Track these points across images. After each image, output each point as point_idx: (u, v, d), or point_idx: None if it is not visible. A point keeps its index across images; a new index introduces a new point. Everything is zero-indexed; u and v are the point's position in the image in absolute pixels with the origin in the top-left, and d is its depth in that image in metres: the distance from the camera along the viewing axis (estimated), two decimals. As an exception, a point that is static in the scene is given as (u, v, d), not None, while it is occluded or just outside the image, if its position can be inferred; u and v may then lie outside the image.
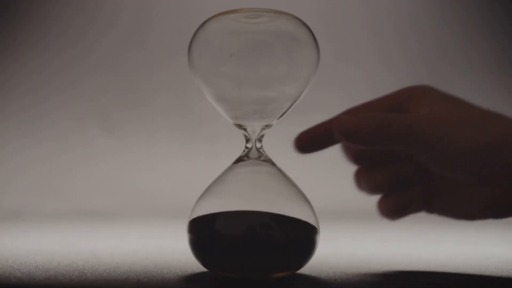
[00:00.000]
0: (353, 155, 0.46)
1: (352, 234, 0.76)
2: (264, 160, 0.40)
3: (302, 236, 0.38)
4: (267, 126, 0.41)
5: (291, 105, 0.40)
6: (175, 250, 0.52)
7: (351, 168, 0.47)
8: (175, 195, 0.99)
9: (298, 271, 0.40)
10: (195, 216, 0.38)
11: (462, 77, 1.23)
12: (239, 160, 0.41)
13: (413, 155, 0.42)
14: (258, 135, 0.41)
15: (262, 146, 0.41)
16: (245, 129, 0.41)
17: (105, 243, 0.60)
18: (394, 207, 0.46)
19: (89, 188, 1.11)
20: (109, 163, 1.16)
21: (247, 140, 0.41)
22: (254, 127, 0.40)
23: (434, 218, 0.46)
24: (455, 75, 1.23)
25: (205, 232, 0.38)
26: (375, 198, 0.46)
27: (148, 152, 1.18)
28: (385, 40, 1.27)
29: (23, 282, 0.36)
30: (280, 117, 0.41)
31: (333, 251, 0.52)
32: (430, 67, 1.25)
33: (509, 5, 1.26)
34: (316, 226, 0.38)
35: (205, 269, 0.40)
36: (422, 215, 0.46)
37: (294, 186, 0.40)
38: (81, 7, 1.26)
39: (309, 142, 0.44)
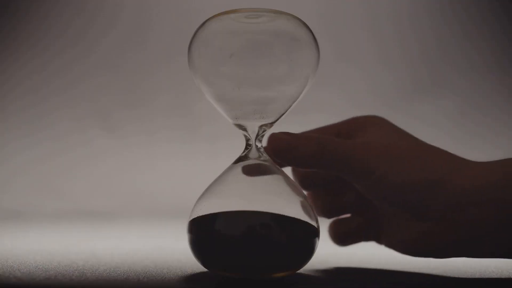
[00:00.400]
0: (300, 178, 0.45)
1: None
2: (264, 160, 0.40)
3: (302, 236, 0.38)
4: (267, 126, 0.41)
5: (291, 105, 0.40)
6: (175, 250, 0.52)
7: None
8: (175, 195, 0.99)
9: (298, 271, 0.40)
10: (195, 216, 0.38)
11: (462, 77, 1.23)
12: (239, 160, 0.41)
13: (351, 182, 0.40)
14: (258, 135, 0.41)
15: (262, 146, 0.41)
16: (245, 129, 0.41)
17: (105, 243, 0.60)
18: (339, 234, 0.46)
19: (89, 188, 1.11)
20: (109, 163, 1.16)
21: (247, 140, 0.41)
22: (254, 127, 0.40)
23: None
24: (455, 75, 1.23)
25: (205, 232, 0.38)
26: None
27: (148, 152, 1.18)
28: (385, 40, 1.27)
29: (23, 282, 0.36)
30: (280, 117, 0.41)
31: (333, 251, 0.52)
32: (430, 67, 1.25)
33: (509, 5, 1.26)
34: (316, 226, 0.38)
35: (205, 269, 0.40)
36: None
37: (294, 185, 0.40)
38: (81, 7, 1.26)
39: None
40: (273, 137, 0.39)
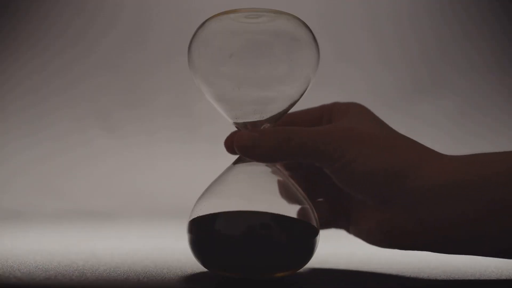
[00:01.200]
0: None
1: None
2: None
3: (302, 236, 0.38)
4: (267, 126, 0.41)
5: (291, 105, 0.40)
6: (175, 250, 0.52)
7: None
8: (175, 195, 0.99)
9: (298, 271, 0.40)
10: (195, 216, 0.38)
11: (462, 77, 1.23)
12: (239, 160, 0.41)
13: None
14: None
15: None
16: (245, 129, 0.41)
17: (105, 243, 0.60)
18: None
19: (89, 188, 1.11)
20: (109, 163, 1.16)
21: None
22: (254, 127, 0.40)
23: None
24: (455, 75, 1.23)
25: (205, 232, 0.38)
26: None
27: (148, 152, 1.18)
28: (385, 40, 1.27)
29: (23, 282, 0.36)
30: (280, 117, 0.41)
31: (333, 251, 0.52)
32: (430, 67, 1.25)
33: (509, 5, 1.26)
34: (316, 226, 0.38)
35: (205, 269, 0.40)
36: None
37: (294, 185, 0.40)
38: (81, 7, 1.26)
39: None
40: (237, 136, 0.39)
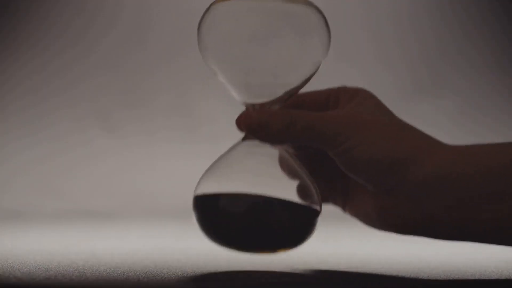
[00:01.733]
0: None
1: (352, 234, 0.76)
2: None
3: (303, 213, 0.39)
4: (277, 106, 0.41)
5: (300, 88, 0.41)
6: (175, 250, 0.52)
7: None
8: (175, 195, 0.99)
9: (298, 271, 0.40)
10: (201, 194, 0.39)
11: (462, 77, 1.23)
12: (246, 137, 0.41)
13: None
14: None
15: None
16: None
17: (105, 243, 0.60)
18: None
19: (89, 188, 1.11)
20: (109, 163, 1.16)
21: None
22: (262, 108, 0.41)
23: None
24: (455, 75, 1.23)
25: (208, 209, 0.39)
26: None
27: (148, 152, 1.18)
28: (385, 40, 1.27)
29: (23, 282, 0.36)
30: (288, 99, 0.41)
31: (333, 251, 0.52)
32: (430, 67, 1.25)
33: (509, 5, 1.26)
34: (317, 204, 0.39)
35: (205, 269, 0.40)
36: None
37: (296, 162, 0.41)
38: (81, 7, 1.26)
39: None
40: (244, 115, 0.40)
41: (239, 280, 0.37)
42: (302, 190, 0.40)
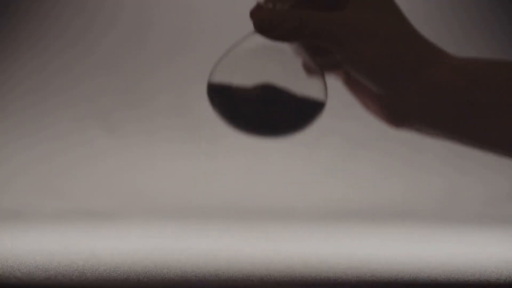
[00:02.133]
0: None
1: (352, 234, 0.76)
2: None
3: (308, 97, 0.40)
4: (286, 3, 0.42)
5: None
6: (175, 250, 0.52)
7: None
8: (175, 195, 0.99)
9: (298, 271, 0.40)
10: (216, 82, 0.40)
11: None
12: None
13: None
14: None
15: None
16: None
17: (105, 243, 0.60)
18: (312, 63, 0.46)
19: (89, 188, 1.11)
20: (109, 163, 1.16)
21: None
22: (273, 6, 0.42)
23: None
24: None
25: (223, 97, 0.40)
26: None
27: (148, 152, 1.18)
28: (385, 40, 1.26)
29: (23, 282, 0.36)
30: None
31: (333, 251, 0.52)
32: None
33: (509, 5, 1.26)
34: (323, 100, 0.41)
35: (205, 269, 0.40)
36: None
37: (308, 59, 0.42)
38: (81, 7, 1.26)
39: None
40: (256, 14, 0.41)
41: (239, 280, 0.37)
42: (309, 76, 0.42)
